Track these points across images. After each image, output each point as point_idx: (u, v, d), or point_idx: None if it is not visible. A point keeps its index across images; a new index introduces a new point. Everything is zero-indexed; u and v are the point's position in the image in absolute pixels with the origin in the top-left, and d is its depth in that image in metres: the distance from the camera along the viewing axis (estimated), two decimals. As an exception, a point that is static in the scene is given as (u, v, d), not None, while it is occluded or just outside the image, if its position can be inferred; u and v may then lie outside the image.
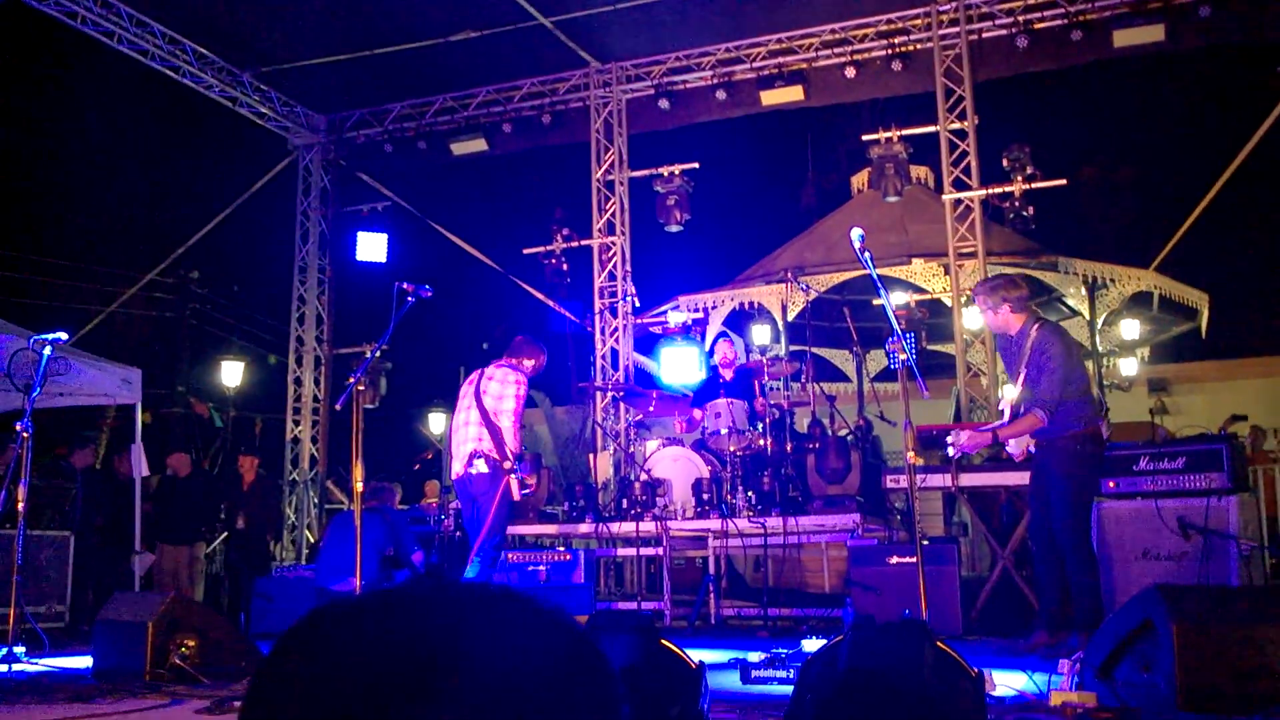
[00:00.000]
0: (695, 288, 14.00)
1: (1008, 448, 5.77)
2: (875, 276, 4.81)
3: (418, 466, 16.77)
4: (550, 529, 8.86)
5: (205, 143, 18.32)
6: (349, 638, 0.85)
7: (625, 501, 8.31)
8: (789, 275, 10.30)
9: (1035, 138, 11.05)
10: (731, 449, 8.20)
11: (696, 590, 8.21)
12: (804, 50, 11.71)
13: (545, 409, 14.93)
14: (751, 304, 13.31)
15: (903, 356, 4.66)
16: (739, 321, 13.61)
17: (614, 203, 12.42)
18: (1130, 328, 14.70)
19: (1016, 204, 10.53)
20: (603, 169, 12.50)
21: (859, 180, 15.45)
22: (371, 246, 11.88)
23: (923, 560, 4.71)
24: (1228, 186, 11.43)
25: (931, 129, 11.09)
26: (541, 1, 10.90)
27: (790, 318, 12.83)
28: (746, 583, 9.38)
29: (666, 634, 3.33)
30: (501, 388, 6.44)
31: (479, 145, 12.87)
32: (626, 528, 8.10)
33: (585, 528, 8.41)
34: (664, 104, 12.15)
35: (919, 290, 12.43)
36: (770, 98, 11.70)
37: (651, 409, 9.20)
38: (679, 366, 10.23)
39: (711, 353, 10.49)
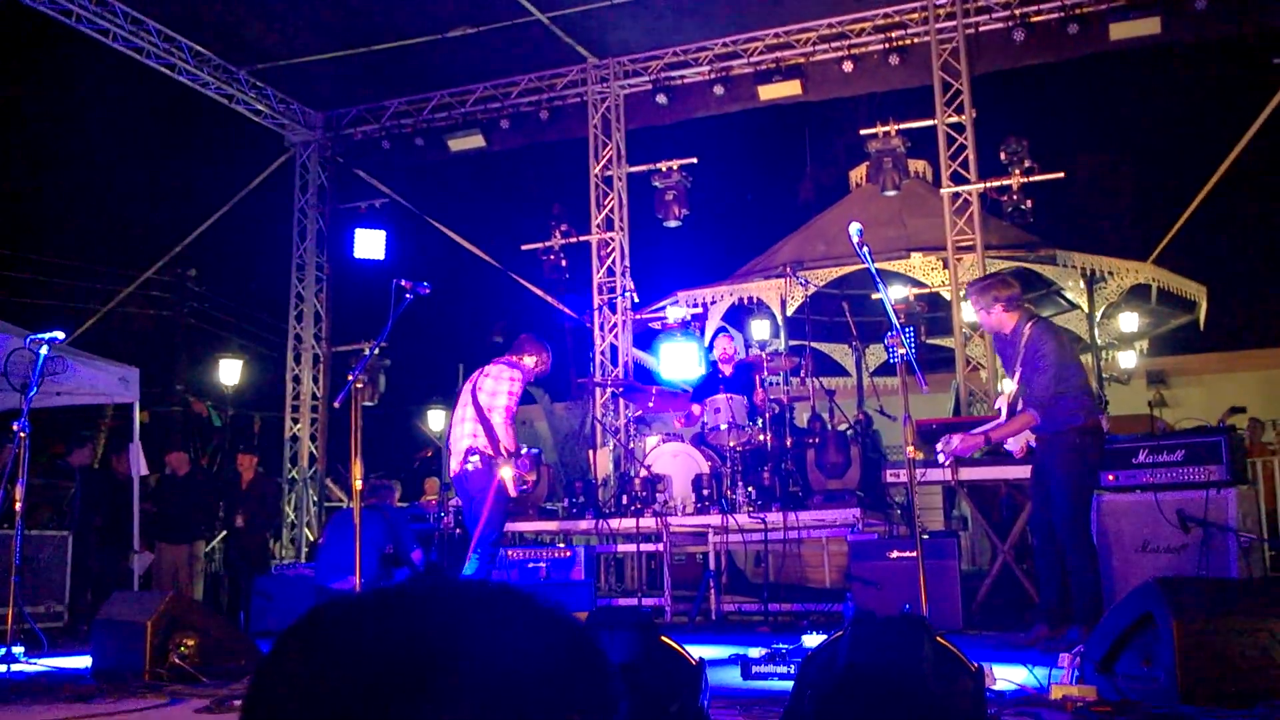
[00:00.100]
0: (694, 283, 14.01)
1: (1006, 445, 5.76)
2: (874, 271, 4.81)
3: (417, 464, 16.77)
4: (550, 525, 8.86)
5: (202, 141, 18.27)
6: (348, 636, 0.84)
7: (625, 497, 8.31)
8: (788, 270, 10.29)
9: (1033, 131, 11.05)
10: (731, 444, 8.20)
11: (697, 586, 8.22)
12: (801, 45, 11.70)
13: (544, 405, 14.92)
14: (750, 299, 13.31)
15: (902, 351, 4.65)
16: (738, 316, 13.61)
17: (612, 198, 12.41)
18: (1129, 320, 14.71)
19: (1015, 197, 10.54)
20: (601, 164, 12.49)
21: (857, 174, 15.45)
22: (369, 243, 11.87)
23: (923, 555, 4.70)
24: (1225, 179, 11.43)
25: (929, 123, 11.10)
26: (538, -3, 10.90)
27: (789, 312, 12.84)
28: (747, 578, 9.38)
29: (667, 630, 3.33)
30: (496, 383, 6.44)
31: (477, 141, 12.86)
32: (626, 524, 8.10)
33: (585, 524, 8.41)
34: (662, 99, 12.13)
35: (918, 284, 12.43)
36: (768, 92, 11.70)
37: (651, 405, 9.19)
38: (678, 362, 10.23)
39: (711, 348, 10.48)
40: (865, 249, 4.71)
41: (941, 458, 5.69)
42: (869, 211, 13.10)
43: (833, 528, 7.97)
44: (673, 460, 8.37)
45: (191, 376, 20.50)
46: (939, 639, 2.82)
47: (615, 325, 12.21)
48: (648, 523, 8.12)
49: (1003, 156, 10.63)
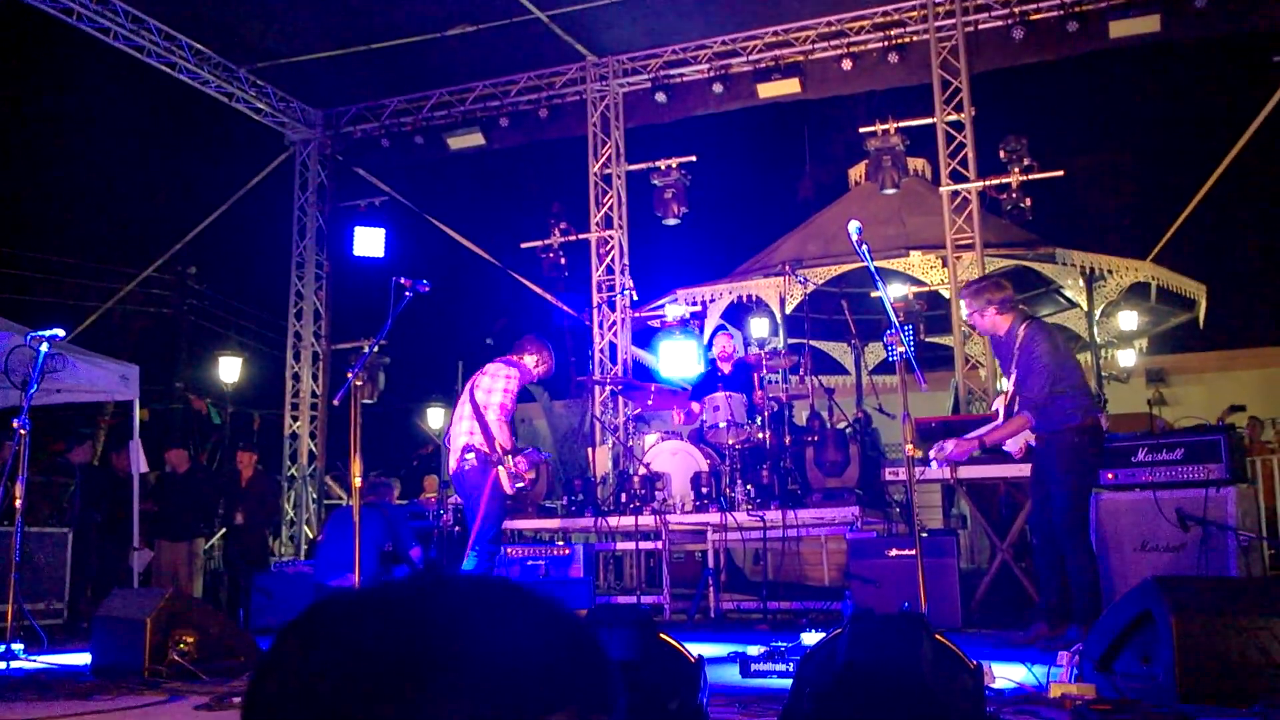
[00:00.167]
0: (693, 281, 14.01)
1: (1004, 446, 5.76)
2: (873, 269, 4.81)
3: (416, 462, 16.76)
4: (549, 523, 8.86)
5: (202, 139, 18.29)
6: (348, 631, 0.84)
7: (624, 495, 8.31)
8: (787, 268, 10.29)
9: (1032, 129, 11.06)
10: (730, 442, 8.20)
11: (696, 584, 8.22)
12: (800, 43, 11.70)
13: (544, 403, 14.93)
14: (749, 297, 13.31)
15: (901, 349, 4.65)
16: (737, 314, 13.61)
17: (611, 196, 12.41)
18: (1128, 319, 14.71)
19: (1014, 195, 10.55)
20: (600, 163, 12.49)
21: (856, 173, 15.46)
22: (369, 241, 11.87)
23: (922, 553, 4.71)
24: (1225, 177, 11.44)
25: (928, 121, 11.10)
26: (537, -5, 10.90)
27: (788, 310, 12.82)
28: (746, 576, 9.39)
29: (666, 628, 3.33)
30: (492, 381, 6.45)
31: (476, 140, 12.86)
32: (625, 522, 8.11)
33: (584, 522, 8.41)
34: (661, 97, 12.13)
35: (917, 282, 12.44)
36: (767, 90, 11.70)
37: (650, 403, 9.20)
38: (677, 360, 10.23)
39: (710, 346, 10.49)
40: (864, 247, 4.71)
41: (934, 464, 5.68)
42: (868, 209, 13.11)
43: (831, 526, 7.97)
44: (672, 458, 8.37)
45: (191, 374, 20.47)
46: (938, 637, 2.82)
47: (614, 323, 12.21)
48: (647, 521, 8.12)
49: (1002, 155, 10.64)
